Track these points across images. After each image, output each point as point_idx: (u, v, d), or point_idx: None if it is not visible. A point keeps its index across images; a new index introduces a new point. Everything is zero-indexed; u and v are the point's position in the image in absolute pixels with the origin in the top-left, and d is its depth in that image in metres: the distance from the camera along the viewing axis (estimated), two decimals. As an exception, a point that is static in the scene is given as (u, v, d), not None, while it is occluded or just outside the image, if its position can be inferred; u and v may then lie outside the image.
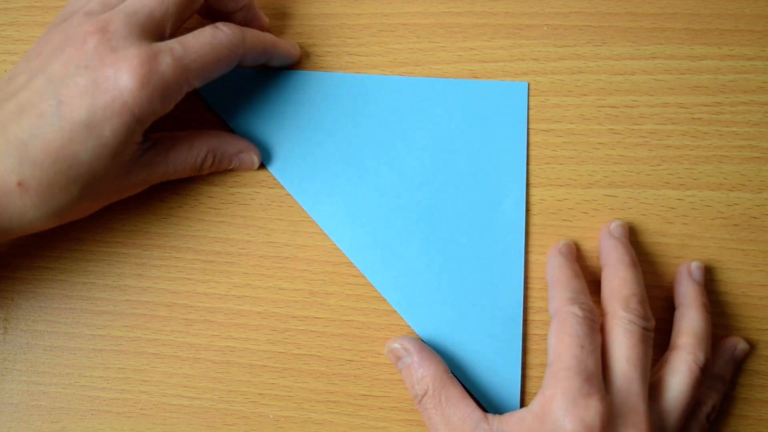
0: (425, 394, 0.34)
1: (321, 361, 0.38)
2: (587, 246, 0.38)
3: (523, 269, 0.36)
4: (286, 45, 0.39)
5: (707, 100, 0.39)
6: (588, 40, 0.39)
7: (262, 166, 0.39)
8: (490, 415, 0.32)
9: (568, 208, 0.38)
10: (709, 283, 0.37)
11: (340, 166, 0.38)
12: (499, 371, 0.35)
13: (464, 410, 0.32)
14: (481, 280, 0.36)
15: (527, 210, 0.38)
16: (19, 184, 0.31)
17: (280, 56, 0.38)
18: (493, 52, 0.39)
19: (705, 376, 0.33)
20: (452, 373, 0.35)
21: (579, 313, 0.33)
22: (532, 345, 0.37)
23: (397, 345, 0.36)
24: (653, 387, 0.33)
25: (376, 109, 0.39)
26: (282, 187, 0.39)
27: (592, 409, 0.30)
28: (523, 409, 0.32)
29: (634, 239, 0.38)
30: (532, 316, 0.37)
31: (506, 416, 0.32)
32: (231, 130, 0.39)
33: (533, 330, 0.37)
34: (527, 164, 0.38)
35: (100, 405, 0.38)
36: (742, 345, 0.36)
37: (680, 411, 0.32)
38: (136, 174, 0.35)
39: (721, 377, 0.35)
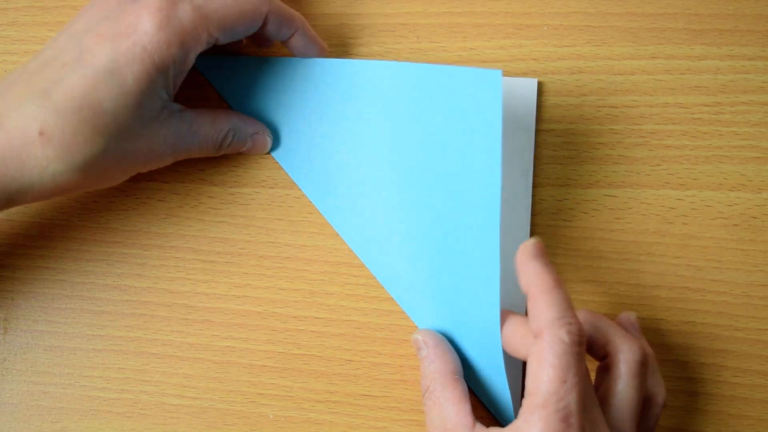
0: (428, 389, 0.34)
1: (321, 361, 0.38)
2: (588, 246, 0.38)
3: (498, 271, 0.33)
4: (315, 34, 0.38)
5: (707, 100, 0.39)
6: (588, 40, 0.39)
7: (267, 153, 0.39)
8: (478, 425, 0.31)
9: (568, 208, 0.38)
10: (710, 283, 0.37)
11: (336, 153, 0.38)
12: (487, 369, 0.35)
13: (457, 413, 0.32)
14: (457, 278, 0.35)
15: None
16: (41, 133, 0.30)
17: (305, 38, 0.37)
18: (493, 52, 0.39)
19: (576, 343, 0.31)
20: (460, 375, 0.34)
21: (566, 338, 0.29)
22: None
23: (418, 336, 0.36)
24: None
25: (364, 94, 0.38)
26: (282, 187, 0.39)
27: None
28: None
29: (633, 239, 0.38)
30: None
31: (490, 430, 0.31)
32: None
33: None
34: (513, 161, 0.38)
35: (100, 405, 0.38)
36: (632, 316, 0.35)
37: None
38: (163, 139, 0.34)
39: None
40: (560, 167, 0.38)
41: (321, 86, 0.38)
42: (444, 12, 0.40)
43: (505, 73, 0.39)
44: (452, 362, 0.34)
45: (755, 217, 0.38)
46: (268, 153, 0.39)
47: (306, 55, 0.38)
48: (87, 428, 0.38)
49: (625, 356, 0.32)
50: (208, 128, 0.36)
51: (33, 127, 0.30)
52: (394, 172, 0.37)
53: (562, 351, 0.29)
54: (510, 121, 0.38)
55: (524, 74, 0.39)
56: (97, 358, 0.38)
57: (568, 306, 0.30)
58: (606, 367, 0.32)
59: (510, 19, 0.40)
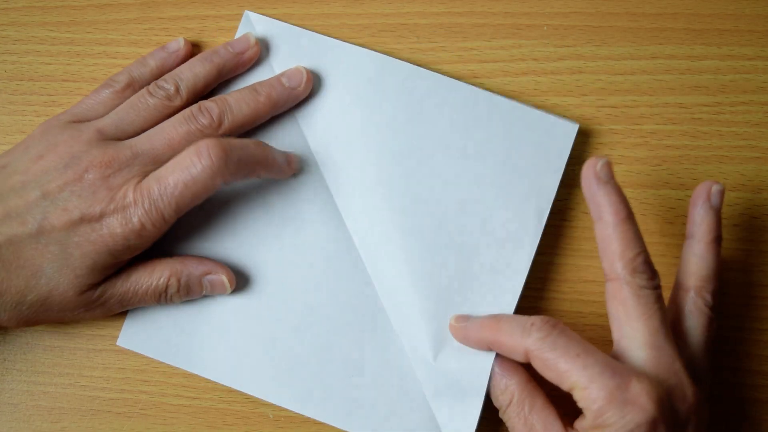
0: (510, 403, 0.33)
1: (321, 361, 0.38)
2: (588, 246, 0.38)
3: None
4: (281, 163, 0.37)
5: (707, 100, 0.39)
6: (588, 40, 0.39)
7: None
8: (570, 427, 0.31)
9: (569, 208, 0.38)
10: (709, 283, 0.37)
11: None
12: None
13: (546, 418, 0.31)
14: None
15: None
16: None
17: (271, 172, 0.37)
18: (493, 52, 0.39)
19: (715, 315, 0.33)
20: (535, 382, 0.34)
21: (647, 285, 0.31)
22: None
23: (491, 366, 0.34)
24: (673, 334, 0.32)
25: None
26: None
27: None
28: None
29: (634, 239, 0.38)
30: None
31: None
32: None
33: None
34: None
35: (100, 405, 0.38)
36: (715, 188, 0.34)
37: (705, 355, 0.33)
38: (93, 300, 0.35)
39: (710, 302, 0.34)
40: (560, 167, 0.38)
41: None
42: (444, 12, 0.40)
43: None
44: (525, 371, 0.33)
45: (755, 217, 0.38)
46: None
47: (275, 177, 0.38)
48: (87, 428, 0.38)
49: (695, 287, 0.33)
50: (146, 277, 0.35)
51: None
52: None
53: (646, 299, 0.31)
54: (540, 158, 0.37)
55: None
56: (97, 358, 0.38)
57: (642, 244, 0.31)
58: (674, 298, 0.34)
59: (510, 19, 0.40)
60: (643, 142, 0.38)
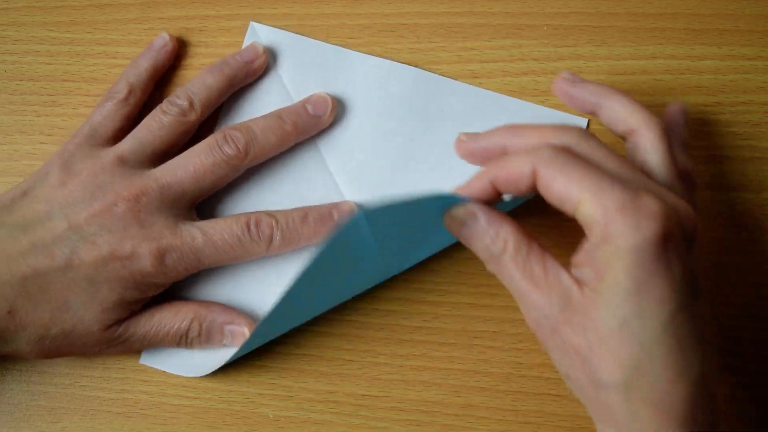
0: (504, 250, 0.30)
1: (321, 361, 0.38)
2: (587, 246, 0.38)
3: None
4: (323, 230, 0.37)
5: (707, 100, 0.39)
6: (588, 40, 0.39)
7: None
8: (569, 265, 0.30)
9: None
10: (709, 282, 0.37)
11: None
12: None
13: (546, 261, 0.29)
14: None
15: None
16: (9, 312, 0.33)
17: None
18: (493, 52, 0.39)
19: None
20: None
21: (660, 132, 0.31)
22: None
23: (459, 210, 0.31)
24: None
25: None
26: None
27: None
28: None
29: (634, 239, 0.38)
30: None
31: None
32: None
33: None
34: None
35: (100, 405, 0.38)
36: (676, 107, 0.35)
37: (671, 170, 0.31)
38: (117, 336, 0.35)
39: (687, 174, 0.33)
40: (560, 167, 0.38)
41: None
42: (444, 12, 0.40)
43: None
44: (514, 220, 0.31)
45: (755, 217, 0.38)
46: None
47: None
48: (87, 428, 0.38)
49: (649, 130, 0.31)
50: (171, 318, 0.36)
51: (3, 306, 0.33)
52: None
53: (666, 141, 0.31)
54: None
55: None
56: (97, 359, 0.38)
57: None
58: (635, 146, 0.32)
59: (510, 19, 0.40)
60: (643, 142, 0.38)
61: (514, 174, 0.29)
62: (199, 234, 0.34)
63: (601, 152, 0.30)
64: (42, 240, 0.33)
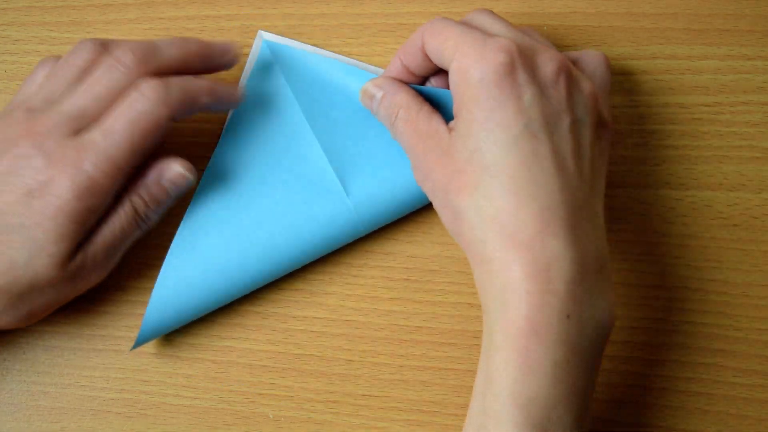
0: (398, 116, 0.34)
1: (321, 361, 0.38)
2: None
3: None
4: (226, 90, 0.36)
5: (707, 100, 0.39)
6: (588, 40, 0.39)
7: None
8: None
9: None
10: (709, 283, 0.37)
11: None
12: None
13: (431, 118, 0.32)
14: None
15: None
16: None
17: (219, 104, 0.36)
18: (493, 52, 0.39)
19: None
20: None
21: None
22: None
23: (368, 84, 0.35)
24: None
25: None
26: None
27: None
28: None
29: (633, 239, 0.38)
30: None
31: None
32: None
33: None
34: None
35: (100, 405, 0.38)
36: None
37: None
38: (80, 267, 0.34)
39: None
40: (560, 167, 0.38)
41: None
42: (444, 12, 0.40)
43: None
44: (412, 89, 0.34)
45: (755, 217, 0.38)
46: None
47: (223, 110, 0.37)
48: (87, 428, 0.38)
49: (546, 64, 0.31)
50: (113, 218, 0.34)
51: None
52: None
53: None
54: None
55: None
56: (97, 358, 0.38)
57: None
58: None
59: (510, 19, 0.40)
60: (643, 142, 0.38)
61: (411, 45, 0.34)
62: (96, 133, 0.33)
63: (489, 19, 0.33)
64: None
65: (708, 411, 0.36)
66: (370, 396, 0.37)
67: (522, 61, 0.29)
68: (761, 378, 0.36)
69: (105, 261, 0.35)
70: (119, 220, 0.34)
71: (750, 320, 0.37)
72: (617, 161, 0.38)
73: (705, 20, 0.39)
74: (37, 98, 0.34)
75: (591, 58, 0.34)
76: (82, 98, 0.34)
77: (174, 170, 0.35)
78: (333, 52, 0.40)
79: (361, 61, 0.40)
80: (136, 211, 0.34)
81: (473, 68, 0.30)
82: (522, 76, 0.29)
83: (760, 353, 0.37)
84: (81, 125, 0.33)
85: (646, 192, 0.38)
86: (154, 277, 0.38)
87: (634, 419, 0.36)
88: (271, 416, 0.37)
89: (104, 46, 0.35)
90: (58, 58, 0.36)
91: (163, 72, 0.34)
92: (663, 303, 0.37)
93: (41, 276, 0.32)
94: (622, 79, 0.39)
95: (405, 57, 0.34)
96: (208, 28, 0.41)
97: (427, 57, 0.33)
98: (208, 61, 0.36)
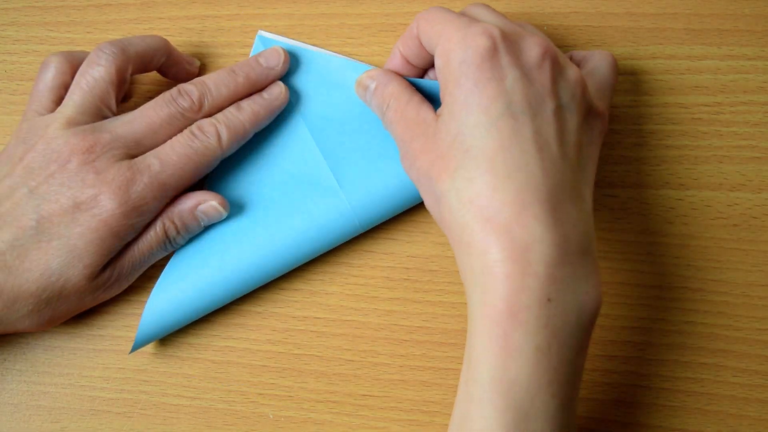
0: (389, 106, 0.34)
1: (321, 361, 0.38)
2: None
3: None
4: (267, 108, 0.37)
5: (707, 100, 0.39)
6: (588, 40, 0.39)
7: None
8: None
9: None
10: (709, 283, 0.37)
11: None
12: None
13: (420, 107, 0.32)
14: None
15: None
16: None
17: (264, 123, 0.38)
18: (493, 52, 0.39)
19: None
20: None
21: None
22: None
23: (362, 76, 0.36)
24: None
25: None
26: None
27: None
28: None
29: (633, 239, 0.38)
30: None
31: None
32: None
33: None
34: None
35: (100, 405, 0.38)
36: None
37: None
38: (107, 280, 0.35)
39: None
40: (560, 167, 0.38)
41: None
42: (444, 12, 0.40)
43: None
44: (404, 80, 0.35)
45: (755, 217, 0.38)
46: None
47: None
48: (87, 428, 0.38)
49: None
50: (144, 236, 0.35)
51: None
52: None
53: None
54: None
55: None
56: (97, 358, 0.38)
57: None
58: None
59: (511, 19, 0.40)
60: (643, 142, 0.38)
61: (408, 34, 0.34)
62: (153, 159, 0.34)
63: (484, 11, 0.33)
64: (8, 213, 0.33)
65: (708, 411, 0.36)
66: (370, 396, 0.37)
67: (505, 45, 0.30)
68: (761, 378, 0.36)
69: (128, 276, 0.36)
70: (149, 240, 0.35)
71: (750, 320, 0.37)
72: (617, 161, 0.38)
73: (705, 20, 0.39)
74: (70, 109, 0.35)
75: (595, 56, 0.35)
76: (137, 125, 0.35)
77: (210, 204, 0.36)
78: (333, 52, 0.40)
79: (361, 61, 0.40)
80: (166, 234, 0.36)
81: (455, 51, 0.30)
82: (504, 59, 0.29)
83: (760, 353, 0.37)
84: (131, 152, 0.35)
85: (646, 192, 0.38)
86: (154, 278, 0.38)
87: (634, 419, 0.36)
88: (271, 416, 0.37)
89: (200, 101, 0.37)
90: (62, 53, 0.37)
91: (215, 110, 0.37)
92: (663, 303, 0.37)
93: (71, 284, 0.34)
94: (622, 79, 0.39)
95: (403, 47, 0.35)
96: (209, 28, 0.41)
97: (422, 46, 0.33)
98: (254, 90, 0.38)
